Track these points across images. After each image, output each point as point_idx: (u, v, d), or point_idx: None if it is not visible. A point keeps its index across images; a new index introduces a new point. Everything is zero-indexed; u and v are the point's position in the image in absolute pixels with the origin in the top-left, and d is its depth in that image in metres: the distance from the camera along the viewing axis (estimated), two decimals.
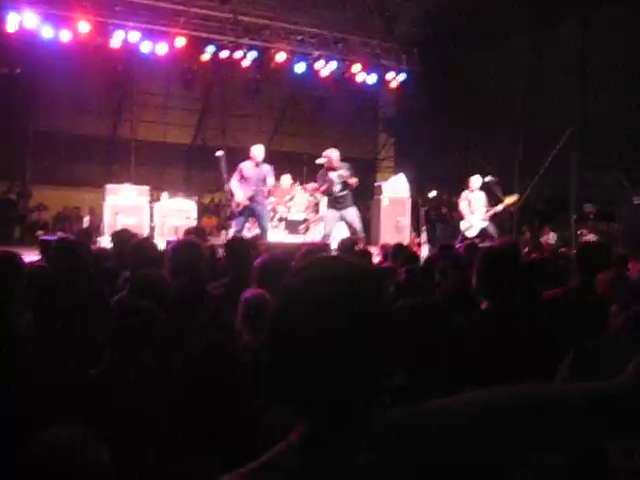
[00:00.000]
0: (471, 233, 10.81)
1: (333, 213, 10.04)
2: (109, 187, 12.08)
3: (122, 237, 4.96)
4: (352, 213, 10.02)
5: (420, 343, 2.22)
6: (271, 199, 11.96)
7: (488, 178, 11.03)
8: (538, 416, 0.98)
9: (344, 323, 1.02)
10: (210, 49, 14.34)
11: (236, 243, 5.00)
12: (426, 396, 1.10)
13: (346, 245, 6.13)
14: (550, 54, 14.10)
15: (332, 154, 9.95)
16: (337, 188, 9.89)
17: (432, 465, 0.99)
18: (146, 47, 13.77)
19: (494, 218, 11.15)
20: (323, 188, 10.04)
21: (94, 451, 1.44)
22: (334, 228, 10.00)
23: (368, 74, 15.82)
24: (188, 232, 6.32)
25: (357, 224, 10.01)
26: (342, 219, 10.05)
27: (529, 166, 13.80)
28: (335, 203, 10.00)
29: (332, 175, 9.83)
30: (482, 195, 11.12)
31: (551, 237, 13.37)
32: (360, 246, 9.09)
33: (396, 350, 1.11)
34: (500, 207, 11.01)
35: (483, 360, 2.56)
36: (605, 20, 12.93)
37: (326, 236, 9.72)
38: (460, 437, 0.99)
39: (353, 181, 9.91)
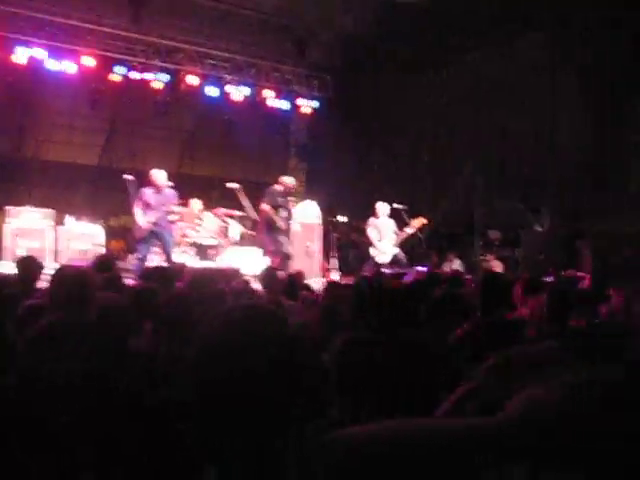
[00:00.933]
0: (384, 259, 10.94)
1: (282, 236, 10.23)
2: (10, 209, 11.57)
3: (28, 264, 4.72)
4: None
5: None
6: (181, 224, 11.78)
7: (396, 205, 11.25)
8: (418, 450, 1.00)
9: (257, 367, 1.05)
10: (119, 69, 14.06)
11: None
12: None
13: (267, 277, 6.08)
14: (454, 86, 14.60)
15: (287, 180, 10.18)
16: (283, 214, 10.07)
17: None
18: (52, 64, 13.36)
19: (404, 243, 11.34)
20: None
21: None
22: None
23: (280, 100, 15.91)
24: (97, 261, 6.09)
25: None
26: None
27: (437, 194, 14.24)
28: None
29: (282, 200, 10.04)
30: (390, 222, 11.27)
31: (456, 264, 13.66)
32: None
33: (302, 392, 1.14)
34: (409, 230, 11.16)
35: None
36: (492, 55, 13.53)
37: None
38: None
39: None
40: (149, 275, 5.06)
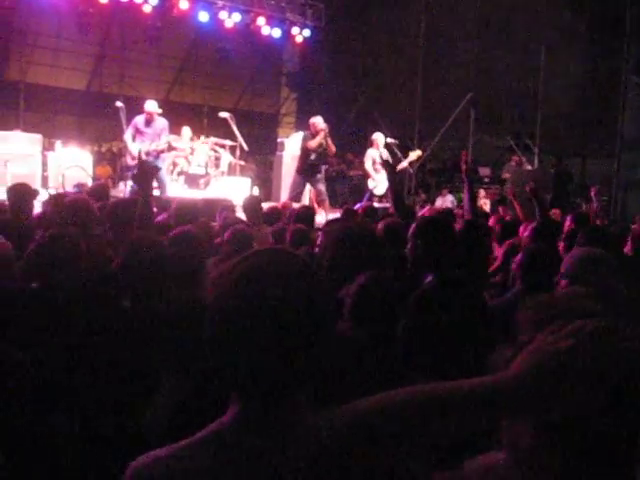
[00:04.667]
0: (378, 191, 10.74)
1: (300, 179, 9.94)
2: None
3: (20, 192, 4.72)
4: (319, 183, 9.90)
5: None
6: (171, 153, 11.71)
7: (389, 139, 11.13)
8: (426, 413, 1.05)
9: (289, 313, 1.09)
10: None
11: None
12: None
13: (250, 205, 6.12)
14: (450, 17, 14.33)
15: (317, 120, 9.75)
16: (312, 156, 9.75)
17: (350, 465, 1.07)
18: None
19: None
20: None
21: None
22: (301, 193, 9.92)
23: (272, 28, 15.59)
24: (94, 190, 6.08)
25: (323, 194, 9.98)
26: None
27: (427, 128, 14.21)
28: (306, 170, 9.82)
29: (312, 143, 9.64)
30: (386, 153, 11.02)
31: (448, 200, 13.74)
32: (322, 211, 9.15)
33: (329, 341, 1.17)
34: (405, 163, 10.93)
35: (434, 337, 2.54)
36: None
37: (290, 199, 9.53)
38: (368, 438, 1.07)
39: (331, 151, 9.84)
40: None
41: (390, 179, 4.41)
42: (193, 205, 5.50)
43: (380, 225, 3.98)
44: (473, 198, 4.33)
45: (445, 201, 13.57)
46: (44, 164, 11.68)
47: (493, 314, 2.76)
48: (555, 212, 6.46)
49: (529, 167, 12.37)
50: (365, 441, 1.05)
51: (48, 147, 12.81)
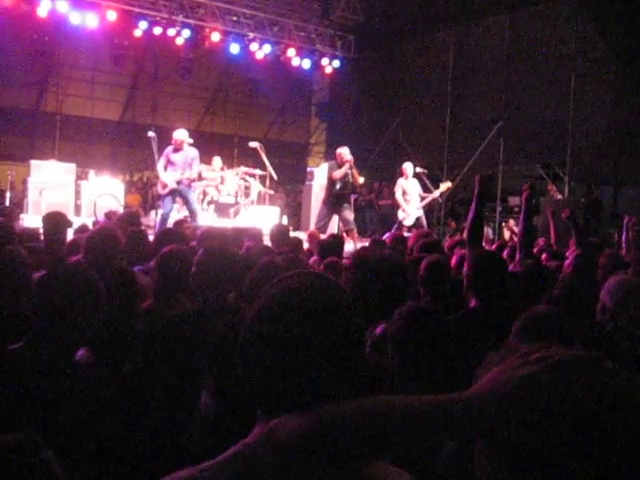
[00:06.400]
0: (408, 222, 10.72)
1: (326, 210, 9.93)
2: (34, 163, 11.71)
3: (55, 221, 4.79)
4: (346, 213, 9.78)
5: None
6: (202, 182, 11.86)
7: (418, 169, 11.14)
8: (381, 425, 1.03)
9: (329, 334, 1.10)
10: (142, 25, 14.03)
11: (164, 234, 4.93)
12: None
13: (277, 234, 6.13)
14: (478, 48, 14.36)
15: (343, 151, 9.76)
16: (337, 186, 9.75)
17: None
18: (75, 18, 13.36)
19: (425, 207, 11.20)
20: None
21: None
22: (328, 223, 9.88)
23: (302, 59, 15.81)
24: (121, 218, 6.16)
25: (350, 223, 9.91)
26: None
27: (456, 158, 14.19)
28: (332, 200, 9.78)
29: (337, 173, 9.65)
30: (416, 183, 11.00)
31: (486, 230, 13.63)
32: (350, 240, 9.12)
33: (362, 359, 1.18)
34: (437, 193, 10.94)
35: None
36: (530, 15, 13.30)
37: (317, 229, 9.48)
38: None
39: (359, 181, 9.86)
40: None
41: (527, 204, 4.36)
42: (220, 233, 5.52)
43: (423, 263, 3.93)
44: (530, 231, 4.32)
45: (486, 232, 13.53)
46: (77, 193, 11.91)
47: None
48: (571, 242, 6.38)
49: (559, 196, 12.26)
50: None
51: (82, 176, 13.07)
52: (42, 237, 5.30)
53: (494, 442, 1.01)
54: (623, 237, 5.34)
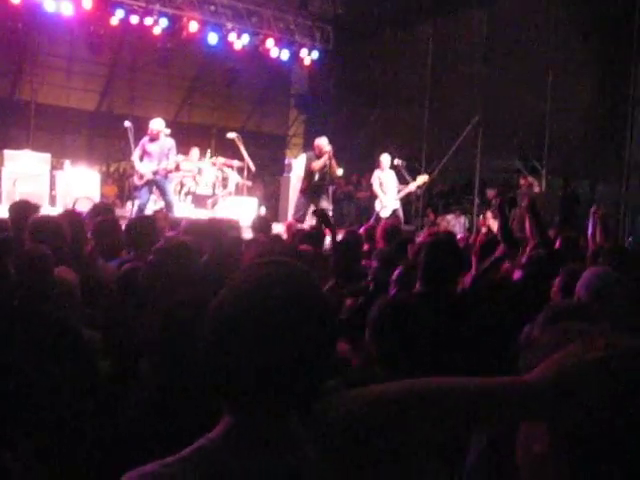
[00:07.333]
0: (384, 213, 10.72)
1: (304, 200, 9.81)
2: (8, 152, 11.52)
3: (20, 209, 4.68)
4: (324, 204, 9.58)
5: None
6: (179, 173, 11.76)
7: (397, 161, 11.13)
8: (426, 406, 1.02)
9: (291, 322, 1.08)
10: (119, 13, 13.84)
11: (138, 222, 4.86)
12: None
13: (259, 225, 6.10)
14: (456, 41, 14.36)
15: (322, 142, 9.66)
16: (316, 177, 9.66)
17: (353, 455, 1.04)
18: (50, 6, 13.13)
19: (403, 199, 11.22)
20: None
21: None
22: (306, 214, 9.74)
23: (281, 49, 15.70)
24: (96, 209, 6.04)
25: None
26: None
27: (434, 150, 14.22)
28: (310, 191, 9.70)
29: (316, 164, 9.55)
30: (393, 174, 10.99)
31: (461, 221, 13.69)
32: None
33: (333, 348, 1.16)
34: (413, 186, 10.92)
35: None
36: (508, 9, 13.31)
37: (295, 219, 9.38)
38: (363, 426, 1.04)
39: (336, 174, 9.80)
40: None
41: (501, 212, 4.48)
42: (202, 224, 5.49)
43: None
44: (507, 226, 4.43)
45: (460, 221, 13.60)
46: (52, 183, 11.75)
47: None
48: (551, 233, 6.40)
49: (537, 189, 12.34)
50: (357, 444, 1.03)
51: (57, 166, 12.89)
52: (10, 226, 5.20)
53: (556, 429, 0.99)
54: (590, 228, 5.35)
